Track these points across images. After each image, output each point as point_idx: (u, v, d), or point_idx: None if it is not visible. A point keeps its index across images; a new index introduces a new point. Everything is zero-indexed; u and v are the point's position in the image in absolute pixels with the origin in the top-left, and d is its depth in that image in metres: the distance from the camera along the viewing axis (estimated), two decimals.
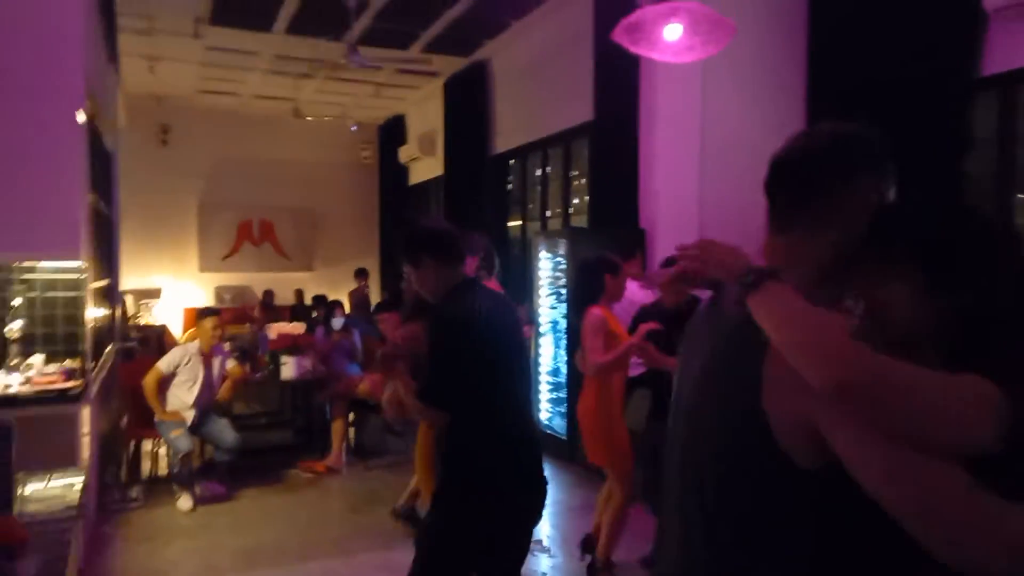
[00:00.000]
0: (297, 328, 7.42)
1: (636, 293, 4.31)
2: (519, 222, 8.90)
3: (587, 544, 3.76)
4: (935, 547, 0.87)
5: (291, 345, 6.67)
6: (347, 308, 8.43)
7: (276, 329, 7.32)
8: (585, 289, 3.62)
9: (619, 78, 5.74)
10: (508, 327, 2.19)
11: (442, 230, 2.27)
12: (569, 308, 5.44)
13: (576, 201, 7.51)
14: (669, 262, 2.98)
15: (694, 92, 5.61)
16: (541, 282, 5.95)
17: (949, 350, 0.96)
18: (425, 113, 10.33)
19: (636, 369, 3.68)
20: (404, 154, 10.74)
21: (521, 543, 2.19)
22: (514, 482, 2.08)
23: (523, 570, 3.73)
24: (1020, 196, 5.50)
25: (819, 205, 1.09)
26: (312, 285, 10.81)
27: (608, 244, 4.69)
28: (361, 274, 10.50)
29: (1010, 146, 4.99)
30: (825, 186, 1.09)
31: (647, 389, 3.66)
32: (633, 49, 3.26)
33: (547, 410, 5.83)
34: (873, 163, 1.10)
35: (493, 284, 4.35)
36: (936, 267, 0.98)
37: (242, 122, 11.00)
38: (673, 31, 3.23)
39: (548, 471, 2.11)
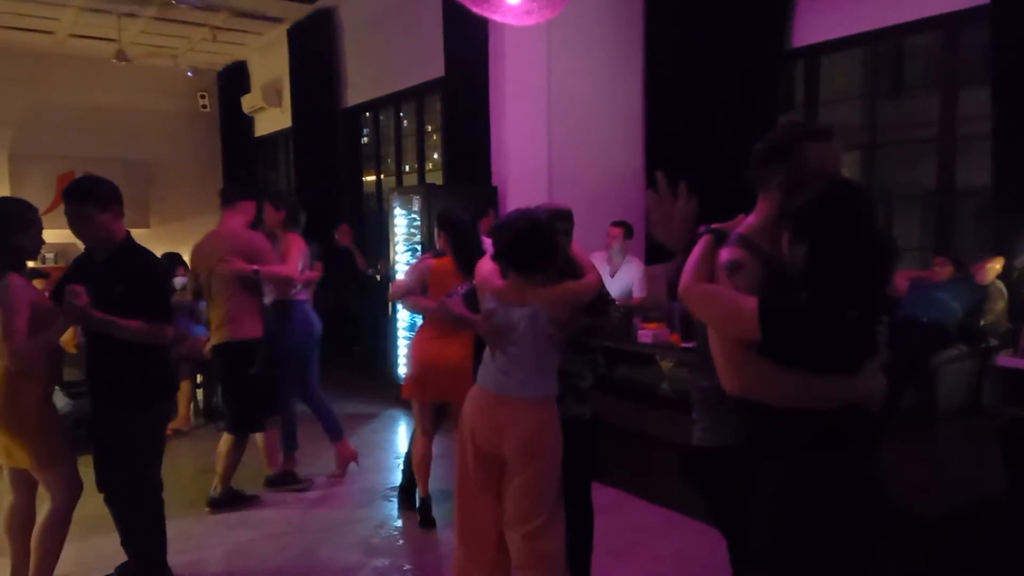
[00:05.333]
0: None
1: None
2: (373, 177, 8.80)
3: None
4: (730, 384, 1.63)
5: None
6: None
7: None
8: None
9: (468, 35, 5.81)
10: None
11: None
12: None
13: (435, 156, 7.55)
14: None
15: (540, 52, 5.79)
16: (397, 238, 6.00)
17: (808, 283, 1.54)
18: (269, 61, 9.82)
19: None
20: (247, 104, 10.18)
21: None
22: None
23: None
24: None
25: (763, 179, 1.76)
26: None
27: (462, 200, 4.84)
28: None
29: (815, 108, 5.66)
30: (760, 170, 1.77)
31: None
32: (475, 10, 3.35)
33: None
34: (780, 154, 1.71)
35: (296, 238, 4.37)
36: (792, 226, 1.58)
37: (58, 64, 9.91)
38: None
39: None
